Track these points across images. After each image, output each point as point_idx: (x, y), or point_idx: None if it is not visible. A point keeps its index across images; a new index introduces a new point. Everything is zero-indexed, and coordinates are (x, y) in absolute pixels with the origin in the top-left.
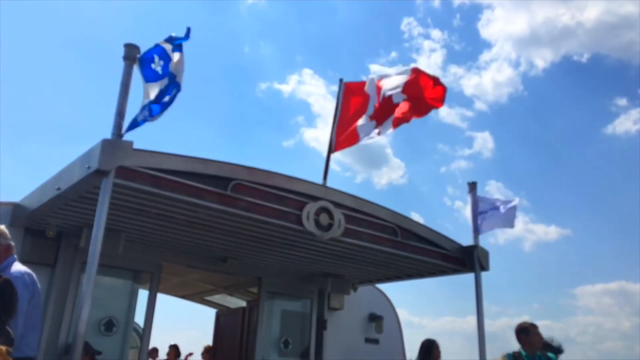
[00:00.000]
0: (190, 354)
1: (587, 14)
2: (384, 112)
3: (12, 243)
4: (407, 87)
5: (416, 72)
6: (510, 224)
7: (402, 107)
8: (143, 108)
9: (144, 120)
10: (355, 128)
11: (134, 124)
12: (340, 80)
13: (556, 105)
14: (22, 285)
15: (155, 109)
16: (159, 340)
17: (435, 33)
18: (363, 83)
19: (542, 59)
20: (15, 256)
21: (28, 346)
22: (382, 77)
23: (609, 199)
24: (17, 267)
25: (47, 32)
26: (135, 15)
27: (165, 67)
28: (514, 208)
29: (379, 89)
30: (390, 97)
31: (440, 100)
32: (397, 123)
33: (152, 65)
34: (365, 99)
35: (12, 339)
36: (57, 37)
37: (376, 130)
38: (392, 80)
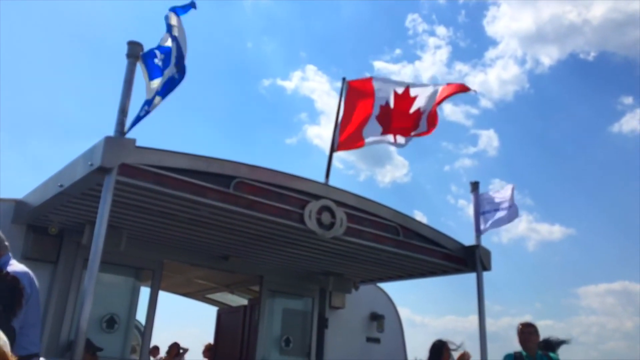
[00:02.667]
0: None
1: (593, 11)
2: (406, 121)
3: (7, 243)
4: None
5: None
6: (514, 216)
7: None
8: (143, 105)
9: (147, 113)
10: (360, 131)
11: (137, 120)
12: (343, 79)
13: (562, 103)
14: None
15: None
16: (161, 337)
17: (440, 30)
18: (366, 80)
19: (548, 57)
20: (10, 254)
21: (31, 343)
22: (408, 85)
23: (614, 198)
24: (14, 266)
25: (51, 28)
26: (139, 11)
27: (166, 60)
28: (514, 207)
29: (398, 96)
30: (420, 111)
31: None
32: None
33: (155, 61)
34: (371, 99)
35: (14, 338)
36: (60, 33)
37: (391, 138)
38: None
